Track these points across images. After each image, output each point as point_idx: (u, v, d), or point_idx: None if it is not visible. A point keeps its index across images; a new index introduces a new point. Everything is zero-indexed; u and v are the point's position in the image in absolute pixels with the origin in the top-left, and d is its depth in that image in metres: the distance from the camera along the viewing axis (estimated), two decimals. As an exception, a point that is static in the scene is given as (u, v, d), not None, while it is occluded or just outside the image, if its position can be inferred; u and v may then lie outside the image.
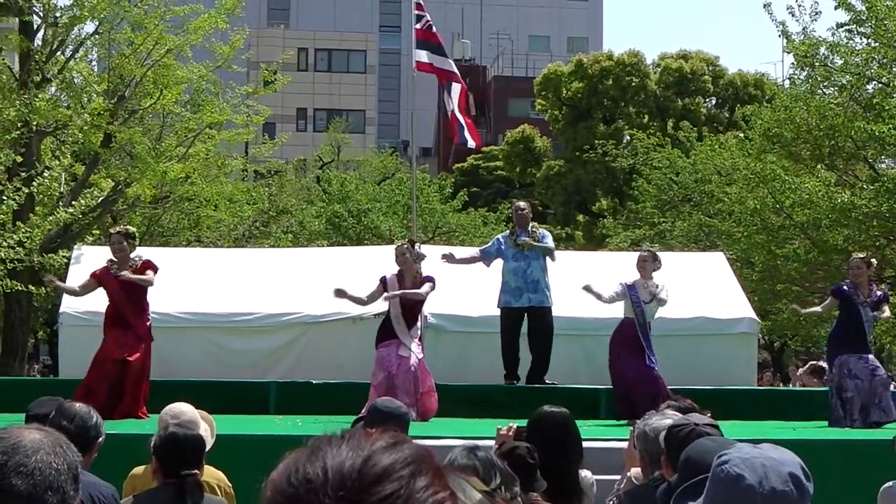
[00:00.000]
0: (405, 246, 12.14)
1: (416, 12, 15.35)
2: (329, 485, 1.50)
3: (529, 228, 13.43)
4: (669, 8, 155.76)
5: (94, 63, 22.28)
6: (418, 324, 12.10)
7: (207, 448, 5.75)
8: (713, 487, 2.91)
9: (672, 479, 4.04)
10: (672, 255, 15.94)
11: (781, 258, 23.12)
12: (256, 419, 11.65)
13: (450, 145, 52.26)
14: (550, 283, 13.25)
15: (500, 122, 54.55)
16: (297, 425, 11.04)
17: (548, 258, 13.33)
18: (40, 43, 19.80)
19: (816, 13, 21.23)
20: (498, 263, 13.42)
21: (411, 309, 11.93)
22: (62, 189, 19.61)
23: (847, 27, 20.69)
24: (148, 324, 11.53)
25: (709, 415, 6.50)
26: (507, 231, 14.03)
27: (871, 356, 12.08)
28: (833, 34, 20.94)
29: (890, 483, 6.89)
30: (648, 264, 12.16)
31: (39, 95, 18.37)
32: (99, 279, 11.60)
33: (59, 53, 20.04)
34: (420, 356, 11.72)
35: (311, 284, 14.78)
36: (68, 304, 14.25)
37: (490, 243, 13.85)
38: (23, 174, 18.18)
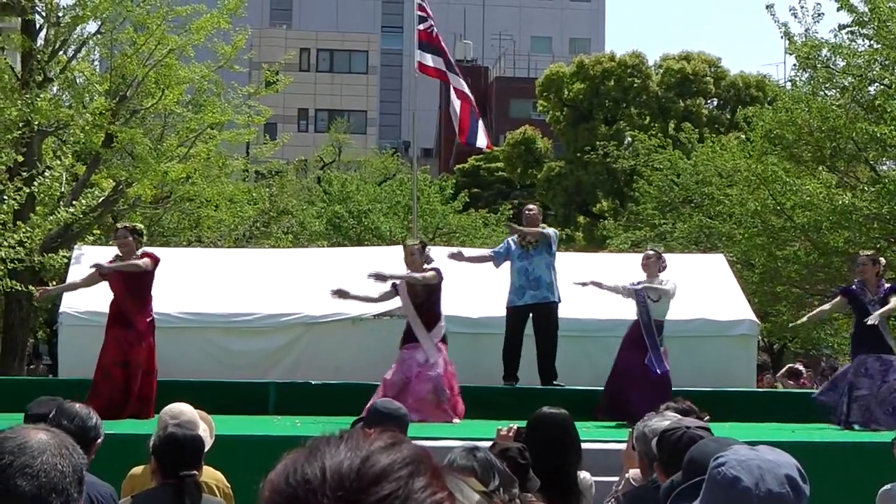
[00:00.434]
0: (416, 247, 12.21)
1: (419, 13, 15.36)
2: (327, 485, 1.51)
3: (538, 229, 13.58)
4: (671, 9, 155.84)
5: (96, 63, 22.28)
6: (441, 323, 12.08)
7: (206, 448, 5.75)
8: (710, 489, 2.92)
9: (675, 478, 4.04)
10: (672, 257, 15.90)
11: (782, 260, 23.11)
12: (255, 420, 11.65)
13: (451, 146, 52.27)
14: (557, 281, 13.33)
15: (501, 122, 54.51)
16: (296, 426, 11.05)
17: (553, 253, 13.44)
18: (42, 42, 19.80)
19: (819, 15, 21.25)
20: (505, 266, 13.53)
21: (426, 308, 11.93)
22: (63, 189, 19.61)
23: (849, 29, 20.70)
24: (148, 320, 11.51)
25: (707, 417, 6.52)
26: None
27: (892, 358, 11.78)
28: (835, 36, 20.96)
29: (888, 486, 6.90)
30: (653, 263, 12.21)
31: (41, 95, 18.37)
32: (101, 274, 11.62)
33: (61, 53, 20.03)
34: (440, 368, 11.72)
35: (312, 285, 14.78)
36: (68, 304, 14.25)
37: (501, 245, 14.00)
38: (24, 174, 18.18)
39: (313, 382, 13.36)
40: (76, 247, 16.72)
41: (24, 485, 2.21)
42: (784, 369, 17.64)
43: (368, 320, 14.31)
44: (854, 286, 12.19)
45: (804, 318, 13.83)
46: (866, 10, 20.25)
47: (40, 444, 2.27)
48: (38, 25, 19.90)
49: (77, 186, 19.97)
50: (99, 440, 5.18)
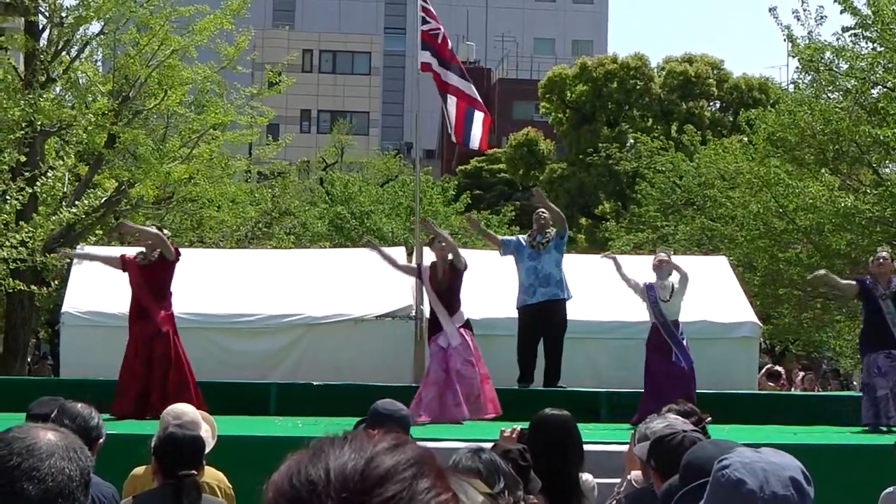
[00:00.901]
0: (443, 244, 12.45)
1: (422, 14, 15.33)
2: (331, 486, 1.51)
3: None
4: (674, 11, 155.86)
5: (98, 63, 22.30)
6: (462, 309, 12.19)
7: (208, 449, 5.75)
8: (714, 492, 2.91)
9: (673, 482, 4.03)
10: (674, 259, 15.92)
11: (784, 262, 23.10)
12: (257, 420, 11.66)
13: (453, 148, 52.26)
14: (566, 279, 13.38)
15: (504, 124, 54.52)
16: (297, 427, 11.04)
17: (562, 251, 13.52)
18: (45, 43, 19.81)
19: (822, 17, 21.22)
20: (512, 267, 13.59)
21: (447, 296, 12.06)
22: (65, 189, 19.63)
23: (853, 31, 20.67)
24: (166, 312, 11.57)
25: (708, 419, 6.51)
26: (528, 234, 14.16)
27: None
28: (838, 38, 20.93)
29: (891, 488, 6.88)
30: (666, 266, 12.29)
31: (44, 95, 18.39)
32: (123, 263, 11.72)
33: (64, 53, 20.05)
34: (458, 346, 11.83)
35: (313, 286, 14.78)
36: (70, 304, 14.25)
37: (512, 238, 14.19)
38: (26, 174, 18.20)
39: (315, 383, 13.36)
40: (78, 247, 16.73)
41: (31, 488, 2.18)
42: (763, 370, 17.60)
43: (370, 321, 14.31)
44: (868, 281, 12.18)
45: (821, 272, 13.69)
46: (869, 12, 20.23)
47: (49, 446, 2.24)
48: (41, 26, 19.92)
49: (79, 187, 19.98)
50: (101, 440, 5.18)
